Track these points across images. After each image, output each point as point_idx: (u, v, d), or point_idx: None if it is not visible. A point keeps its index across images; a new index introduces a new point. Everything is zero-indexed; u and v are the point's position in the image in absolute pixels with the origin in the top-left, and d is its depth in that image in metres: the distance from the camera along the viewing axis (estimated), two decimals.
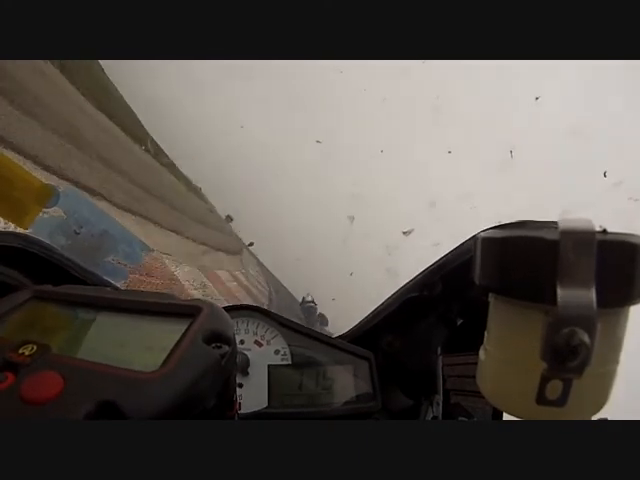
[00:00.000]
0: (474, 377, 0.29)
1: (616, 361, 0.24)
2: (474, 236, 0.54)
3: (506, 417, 0.27)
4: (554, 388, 0.22)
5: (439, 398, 0.56)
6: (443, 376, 0.58)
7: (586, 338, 0.20)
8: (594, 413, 0.24)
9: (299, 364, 0.58)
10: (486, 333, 0.28)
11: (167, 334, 0.26)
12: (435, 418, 0.55)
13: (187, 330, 0.26)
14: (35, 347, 0.25)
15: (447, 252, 0.56)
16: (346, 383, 0.57)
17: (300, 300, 7.18)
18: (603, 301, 0.20)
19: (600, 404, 0.24)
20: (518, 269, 0.23)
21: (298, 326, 0.61)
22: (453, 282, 0.54)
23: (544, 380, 0.22)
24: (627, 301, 0.22)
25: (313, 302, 6.94)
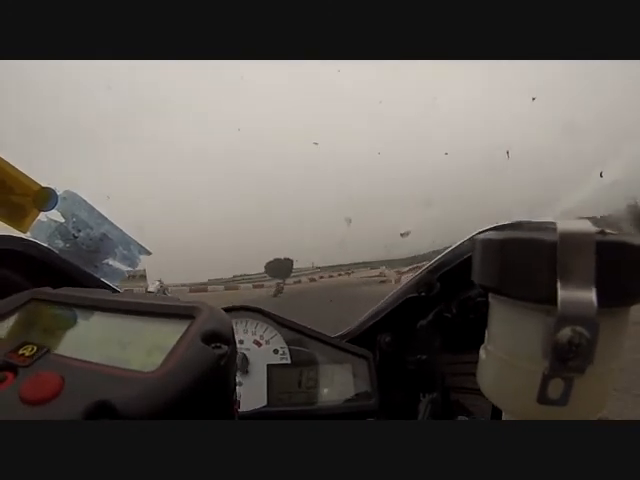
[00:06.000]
0: (473, 375, 0.29)
1: (617, 360, 0.24)
2: (471, 237, 0.54)
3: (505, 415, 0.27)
4: (556, 387, 0.22)
5: (438, 396, 0.57)
6: (442, 374, 0.58)
7: (588, 337, 0.20)
8: (596, 413, 0.24)
9: (298, 363, 0.58)
10: (487, 332, 0.28)
11: (166, 335, 0.26)
12: (434, 416, 0.55)
13: (186, 331, 0.26)
14: (35, 348, 0.25)
15: (445, 253, 0.56)
16: (345, 382, 0.57)
17: None
18: (603, 301, 0.20)
19: (601, 404, 0.24)
20: (518, 270, 0.23)
21: (297, 326, 0.61)
22: (450, 282, 0.55)
23: (546, 379, 0.22)
24: (627, 301, 0.22)
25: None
